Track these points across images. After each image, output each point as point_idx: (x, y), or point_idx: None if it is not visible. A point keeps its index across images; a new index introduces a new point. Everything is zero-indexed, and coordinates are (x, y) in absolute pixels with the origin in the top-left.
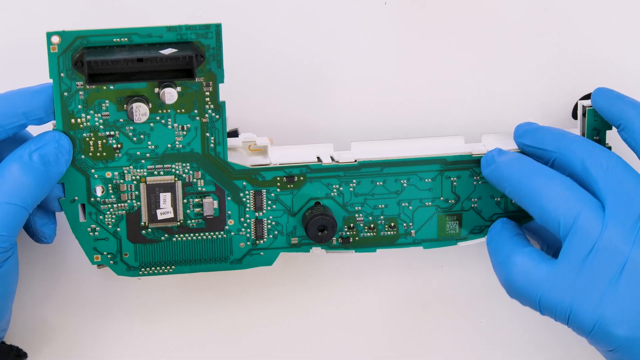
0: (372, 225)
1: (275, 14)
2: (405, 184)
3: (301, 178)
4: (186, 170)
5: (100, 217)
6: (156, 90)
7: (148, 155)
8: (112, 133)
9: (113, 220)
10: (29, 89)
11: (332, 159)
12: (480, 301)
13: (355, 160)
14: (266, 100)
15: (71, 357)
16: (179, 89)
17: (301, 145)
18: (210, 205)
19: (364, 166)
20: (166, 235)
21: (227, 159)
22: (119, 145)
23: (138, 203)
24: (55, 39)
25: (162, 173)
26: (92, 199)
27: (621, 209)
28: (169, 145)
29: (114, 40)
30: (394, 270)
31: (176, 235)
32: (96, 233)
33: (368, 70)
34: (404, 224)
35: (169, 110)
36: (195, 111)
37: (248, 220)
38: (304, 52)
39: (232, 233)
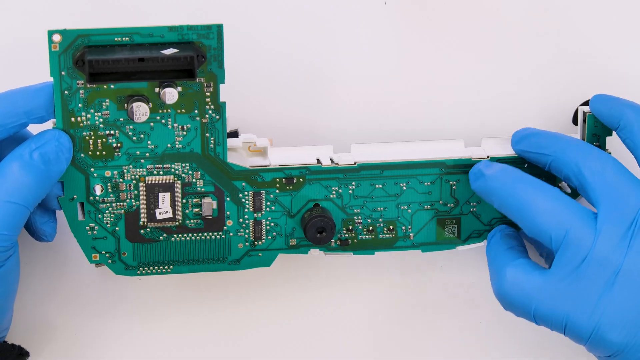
0: (370, 228)
1: (275, 14)
2: (404, 187)
3: (300, 180)
4: (185, 170)
5: (99, 216)
6: (157, 90)
7: (148, 154)
8: (112, 132)
9: (112, 219)
10: (30, 88)
11: (332, 161)
12: (479, 303)
13: (355, 163)
14: (266, 100)
15: (72, 356)
16: (179, 89)
17: (301, 147)
18: (209, 205)
19: (364, 169)
20: (165, 235)
21: (226, 159)
22: (118, 145)
23: (137, 202)
24: (57, 38)
25: (161, 173)
26: (91, 197)
27: (613, 215)
28: (169, 145)
29: (115, 39)
30: (393, 272)
31: (175, 235)
32: (95, 232)
33: (368, 70)
34: (403, 227)
35: (169, 110)
36: (196, 111)
37: (247, 221)
38: (304, 52)
39: (231, 234)
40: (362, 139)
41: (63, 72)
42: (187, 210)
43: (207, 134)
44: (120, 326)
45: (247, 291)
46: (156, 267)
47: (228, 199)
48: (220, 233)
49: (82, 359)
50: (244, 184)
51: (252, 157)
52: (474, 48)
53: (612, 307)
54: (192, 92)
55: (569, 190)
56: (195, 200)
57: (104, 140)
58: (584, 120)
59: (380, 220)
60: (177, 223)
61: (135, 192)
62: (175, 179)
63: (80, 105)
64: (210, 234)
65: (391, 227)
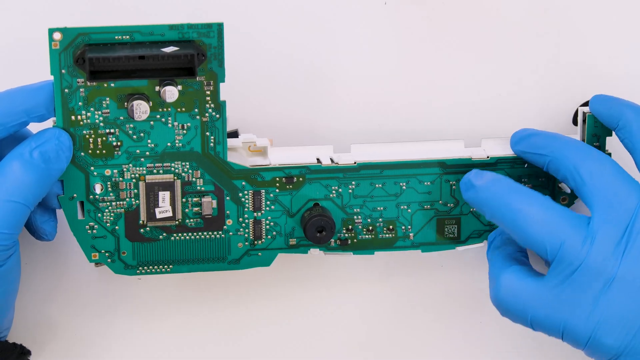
0: (370, 228)
1: (275, 14)
2: (404, 187)
3: (300, 179)
4: (185, 169)
5: (99, 215)
6: (157, 88)
7: (148, 153)
8: (112, 131)
9: (111, 218)
10: (30, 87)
11: (332, 160)
12: (480, 303)
13: (355, 162)
14: (266, 100)
15: (73, 355)
16: (179, 87)
17: (301, 147)
18: (209, 204)
19: (363, 168)
20: (164, 234)
21: (226, 158)
22: (118, 143)
23: (137, 201)
24: (57, 36)
25: (161, 172)
26: (91, 196)
27: (608, 220)
28: (169, 144)
29: (116, 37)
30: (394, 272)
31: (174, 235)
32: (94, 231)
33: (368, 70)
34: (403, 227)
35: (169, 109)
36: (196, 110)
37: (246, 221)
38: (304, 52)
39: (231, 233)
40: (362, 139)
41: (63, 71)
42: (187, 210)
43: (207, 133)
44: (120, 326)
45: (247, 291)
46: (156, 267)
47: (228, 198)
48: (220, 232)
49: (82, 358)
50: (243, 183)
51: (252, 157)
52: (474, 48)
53: (608, 312)
54: (192, 91)
55: (568, 191)
56: (195, 199)
57: (104, 138)
58: (584, 121)
59: (380, 220)
60: (177, 222)
61: (135, 191)
62: (175, 177)
63: (80, 103)
64: (210, 233)
65: (391, 226)
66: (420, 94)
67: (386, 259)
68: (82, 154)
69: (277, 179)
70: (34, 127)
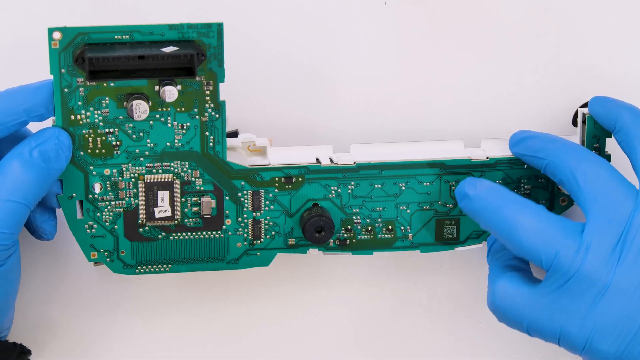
0: (369, 228)
1: (275, 14)
2: (403, 187)
3: (299, 179)
4: (185, 169)
5: (98, 214)
6: (156, 88)
7: (147, 153)
8: (111, 130)
9: (110, 217)
10: (30, 86)
11: (331, 160)
12: (479, 302)
13: (354, 163)
14: (266, 100)
15: (73, 355)
16: (179, 87)
17: (300, 147)
18: (208, 204)
19: (363, 168)
20: (163, 233)
21: (226, 158)
22: (118, 143)
23: (136, 201)
24: (57, 35)
25: (160, 171)
26: (90, 195)
27: (602, 228)
28: (168, 144)
29: (116, 37)
30: (393, 272)
31: (173, 234)
32: (93, 230)
33: (368, 70)
34: (402, 227)
35: (168, 109)
36: (195, 110)
37: (245, 221)
38: (304, 52)
39: (230, 233)
40: (362, 139)
41: (63, 70)
42: (186, 209)
43: (207, 133)
44: (121, 325)
45: (247, 291)
46: (155, 266)
47: (227, 198)
48: (219, 232)
49: (82, 358)
50: (243, 183)
51: (251, 157)
52: (474, 48)
53: (603, 320)
54: (191, 91)
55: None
56: (194, 199)
57: (103, 138)
58: (584, 122)
59: (379, 220)
60: (176, 222)
61: (134, 190)
62: (175, 177)
63: (79, 103)
64: (209, 232)
65: (390, 227)
66: (420, 94)
67: (386, 259)
68: (82, 153)
69: (277, 179)
70: (33, 127)
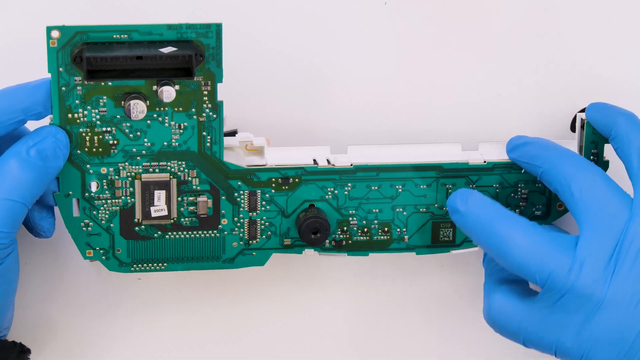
0: (365, 230)
1: (275, 14)
2: (400, 190)
3: (296, 180)
4: (181, 169)
5: (94, 212)
6: (154, 87)
7: (144, 152)
8: (108, 129)
9: (107, 216)
10: (28, 85)
11: (328, 162)
12: (476, 304)
13: (351, 164)
14: (266, 100)
15: (72, 354)
16: (177, 87)
17: (298, 147)
18: (204, 204)
19: (360, 170)
20: (159, 232)
21: (223, 158)
22: (115, 142)
23: (132, 200)
24: (55, 34)
25: (157, 170)
26: (87, 194)
27: (596, 241)
28: (165, 143)
29: (114, 36)
30: (391, 273)
31: (169, 233)
32: (89, 228)
33: (368, 70)
34: (398, 230)
35: (166, 108)
36: (193, 110)
37: (242, 220)
38: (304, 52)
39: (225, 232)
40: (362, 139)
41: (61, 69)
42: (182, 209)
43: (204, 133)
44: (120, 325)
45: (247, 291)
46: (150, 265)
47: (223, 197)
48: (215, 231)
49: (82, 357)
50: (239, 183)
51: (249, 157)
52: (474, 48)
53: (598, 333)
54: (189, 91)
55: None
56: (190, 198)
57: (100, 137)
58: (582, 127)
59: (376, 222)
60: (172, 221)
61: (131, 189)
62: (171, 177)
63: (77, 102)
64: (204, 232)
65: (386, 229)
66: (420, 94)
67: (382, 260)
68: (79, 152)
69: (273, 179)
70: (30, 125)
